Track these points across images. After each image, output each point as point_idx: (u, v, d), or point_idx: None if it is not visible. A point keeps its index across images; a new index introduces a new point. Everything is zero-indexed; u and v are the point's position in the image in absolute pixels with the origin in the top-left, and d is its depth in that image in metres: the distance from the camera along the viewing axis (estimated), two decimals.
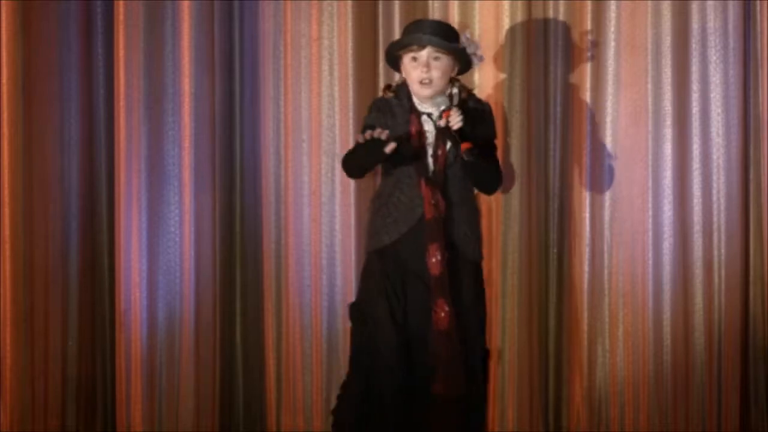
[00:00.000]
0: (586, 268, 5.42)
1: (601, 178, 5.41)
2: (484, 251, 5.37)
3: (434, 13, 5.47)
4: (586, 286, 5.42)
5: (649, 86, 5.39)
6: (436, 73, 4.70)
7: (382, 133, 4.60)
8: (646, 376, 5.40)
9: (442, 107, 4.70)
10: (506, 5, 5.40)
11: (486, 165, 4.76)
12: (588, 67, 5.38)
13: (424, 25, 4.76)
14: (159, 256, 5.41)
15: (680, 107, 5.39)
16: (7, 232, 5.33)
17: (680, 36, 5.38)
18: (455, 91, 4.79)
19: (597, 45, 5.38)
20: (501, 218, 5.40)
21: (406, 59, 4.76)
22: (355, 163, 4.79)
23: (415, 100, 4.78)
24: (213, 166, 5.49)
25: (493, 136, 4.86)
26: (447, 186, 4.76)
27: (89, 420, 5.60)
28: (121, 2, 5.35)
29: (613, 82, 5.40)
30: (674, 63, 5.38)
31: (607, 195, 5.41)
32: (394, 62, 4.84)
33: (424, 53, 4.71)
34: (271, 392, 5.56)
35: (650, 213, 5.39)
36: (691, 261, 5.41)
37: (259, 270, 5.58)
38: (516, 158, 5.41)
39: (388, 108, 4.80)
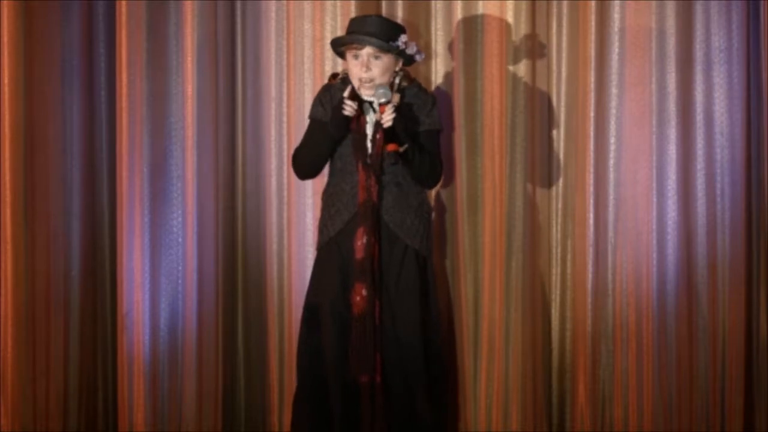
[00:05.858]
0: (590, 268, 5.41)
1: (605, 179, 5.40)
2: (487, 251, 5.40)
3: (437, 12, 5.48)
4: (589, 286, 5.42)
5: (654, 86, 5.38)
6: (376, 71, 4.85)
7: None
8: (650, 376, 5.39)
9: (382, 100, 4.79)
10: (510, 5, 5.40)
11: (418, 162, 4.83)
12: (592, 67, 5.38)
13: (366, 24, 4.86)
14: (161, 257, 5.40)
15: (684, 107, 5.39)
16: (8, 232, 5.31)
17: (684, 36, 5.38)
18: (397, 80, 4.91)
19: (601, 45, 5.38)
20: (504, 218, 5.39)
21: (349, 55, 4.91)
22: (310, 151, 4.91)
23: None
24: (216, 166, 5.49)
25: (436, 126, 4.94)
26: (386, 173, 4.87)
27: (91, 421, 5.58)
28: (123, 2, 5.34)
29: (617, 82, 5.40)
30: (678, 63, 5.38)
31: (611, 195, 5.41)
32: (340, 53, 4.98)
33: (364, 53, 4.85)
34: (274, 393, 5.55)
35: (654, 213, 5.39)
36: (695, 261, 5.40)
37: (261, 270, 5.57)
38: (519, 157, 5.41)
39: (329, 96, 4.94)
